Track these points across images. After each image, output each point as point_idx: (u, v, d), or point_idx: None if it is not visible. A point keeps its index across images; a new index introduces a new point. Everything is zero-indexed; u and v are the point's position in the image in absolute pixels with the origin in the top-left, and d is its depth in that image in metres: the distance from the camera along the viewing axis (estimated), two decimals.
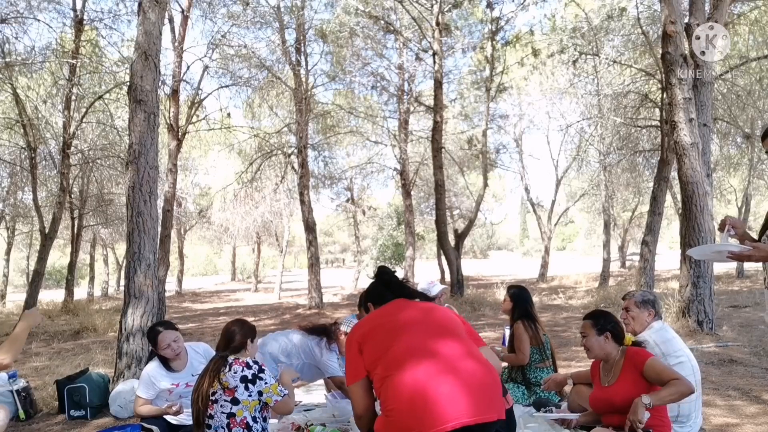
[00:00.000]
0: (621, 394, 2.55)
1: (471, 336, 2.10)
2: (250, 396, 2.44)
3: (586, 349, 2.76)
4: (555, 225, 23.10)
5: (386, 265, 2.43)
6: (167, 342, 3.20)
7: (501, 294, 12.92)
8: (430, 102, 14.20)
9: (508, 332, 4.17)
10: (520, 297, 3.93)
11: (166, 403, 3.21)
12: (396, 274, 2.30)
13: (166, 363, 3.26)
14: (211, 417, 2.43)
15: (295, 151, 14.40)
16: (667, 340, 2.87)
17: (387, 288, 2.18)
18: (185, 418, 3.21)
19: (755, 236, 2.56)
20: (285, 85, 13.87)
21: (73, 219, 13.98)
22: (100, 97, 10.88)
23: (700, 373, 2.92)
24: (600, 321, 2.71)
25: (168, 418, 3.25)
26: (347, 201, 20.99)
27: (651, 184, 12.85)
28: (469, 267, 22.13)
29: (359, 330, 2.04)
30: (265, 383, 2.48)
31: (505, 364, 4.29)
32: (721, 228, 2.28)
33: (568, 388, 3.54)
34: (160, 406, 3.24)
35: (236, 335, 2.65)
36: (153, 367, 3.25)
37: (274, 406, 2.53)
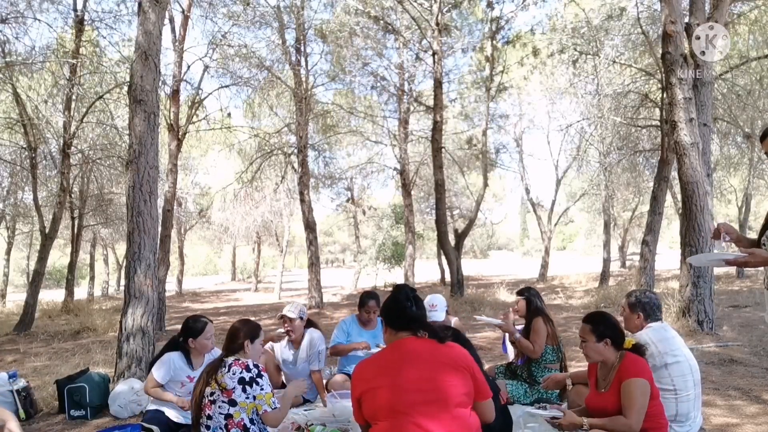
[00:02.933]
0: (613, 403, 2.55)
1: (475, 385, 2.08)
2: (247, 398, 2.43)
3: (585, 353, 2.74)
4: (555, 225, 23.09)
5: (405, 284, 2.41)
6: (211, 333, 3.32)
7: (501, 294, 12.93)
8: (430, 102, 14.20)
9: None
10: (532, 296, 3.93)
11: (178, 398, 3.26)
12: (414, 295, 2.31)
13: (188, 356, 3.32)
14: (210, 417, 2.43)
15: (295, 151, 14.40)
16: (664, 339, 2.86)
17: (400, 316, 2.20)
18: (186, 418, 3.22)
19: (754, 236, 2.57)
20: (285, 85, 13.87)
21: (73, 219, 13.98)
22: (100, 97, 10.87)
23: (699, 372, 2.92)
24: (599, 327, 2.66)
25: (169, 416, 3.27)
26: (347, 201, 20.99)
27: (651, 184, 12.85)
28: (469, 267, 22.12)
29: (360, 384, 2.09)
30: (261, 389, 2.46)
31: (504, 363, 4.29)
32: (717, 236, 2.29)
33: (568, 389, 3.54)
34: (172, 392, 3.30)
35: (237, 335, 2.64)
36: (177, 354, 3.32)
37: (263, 416, 2.50)
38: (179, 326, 3.41)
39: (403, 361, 2.05)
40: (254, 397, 2.45)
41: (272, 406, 2.49)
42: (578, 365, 5.20)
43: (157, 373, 3.25)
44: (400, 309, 2.20)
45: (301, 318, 4.02)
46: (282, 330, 3.97)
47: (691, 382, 2.82)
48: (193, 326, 3.28)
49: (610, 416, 2.52)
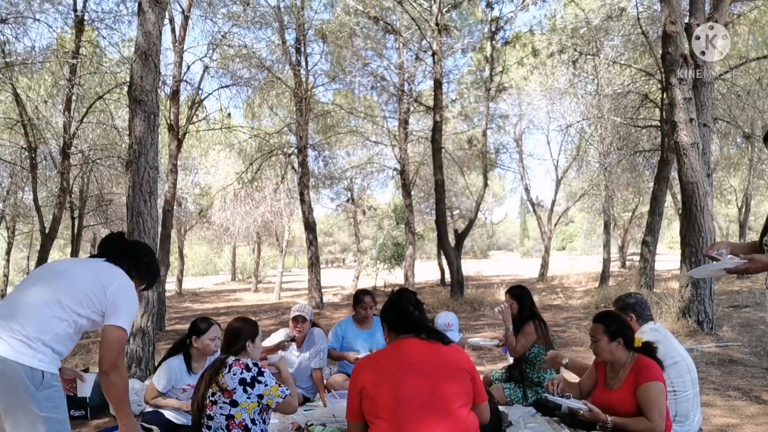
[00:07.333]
0: (621, 403, 2.58)
1: (474, 387, 2.10)
2: (248, 398, 2.42)
3: (596, 352, 2.74)
4: (555, 225, 23.08)
5: (406, 288, 2.44)
6: (214, 335, 3.27)
7: (501, 294, 12.92)
8: (430, 102, 14.19)
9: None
10: (524, 296, 3.81)
11: (182, 403, 3.26)
12: (415, 299, 2.31)
13: (188, 362, 3.29)
14: (211, 418, 2.43)
15: (295, 151, 14.39)
16: (660, 342, 2.86)
17: (403, 322, 2.20)
18: (186, 418, 3.23)
19: (755, 237, 2.57)
20: (285, 85, 13.86)
21: (73, 219, 13.96)
22: (100, 97, 10.86)
23: (696, 371, 2.92)
24: (612, 326, 2.67)
25: (169, 417, 3.27)
26: (347, 201, 20.97)
27: (651, 184, 12.86)
28: (469, 267, 22.11)
29: (363, 378, 2.09)
30: (265, 386, 2.45)
31: (503, 367, 4.28)
32: (712, 256, 2.29)
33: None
34: (174, 398, 3.29)
35: (238, 335, 2.64)
36: (178, 362, 3.30)
37: (277, 408, 2.51)
38: (179, 326, 3.42)
39: (405, 364, 2.05)
40: (260, 396, 2.44)
41: (282, 396, 2.48)
42: None
43: (158, 382, 3.24)
44: (403, 314, 2.20)
45: (310, 319, 4.03)
46: (290, 336, 3.93)
47: (690, 382, 2.83)
48: (199, 325, 3.30)
49: (618, 414, 2.56)
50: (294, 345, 4.09)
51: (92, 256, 2.36)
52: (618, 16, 11.93)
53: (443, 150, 13.86)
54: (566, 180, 21.97)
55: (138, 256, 2.32)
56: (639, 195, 18.51)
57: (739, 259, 2.11)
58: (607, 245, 16.15)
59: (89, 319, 2.03)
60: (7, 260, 18.20)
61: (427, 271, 25.00)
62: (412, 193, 17.06)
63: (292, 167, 15.58)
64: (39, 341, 1.86)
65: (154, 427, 3.17)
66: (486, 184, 15.05)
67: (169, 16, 10.32)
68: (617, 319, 2.74)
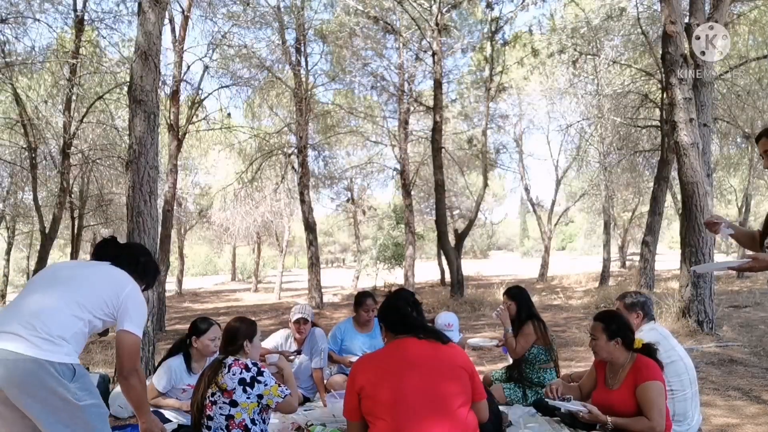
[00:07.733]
0: (621, 403, 2.58)
1: (473, 386, 2.10)
2: (248, 398, 2.42)
3: (594, 350, 2.75)
4: (555, 225, 23.08)
5: (404, 288, 2.43)
6: (214, 335, 3.26)
7: (501, 294, 12.90)
8: (430, 102, 14.20)
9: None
10: (522, 297, 3.79)
11: (182, 403, 3.26)
12: (413, 299, 2.31)
13: (188, 362, 3.29)
14: (211, 418, 2.43)
15: (295, 151, 14.39)
16: (657, 342, 2.86)
17: (399, 320, 2.20)
18: (186, 418, 3.23)
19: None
20: (285, 85, 13.87)
21: (73, 219, 13.96)
22: (100, 97, 10.86)
23: (694, 370, 2.92)
24: (611, 326, 2.67)
25: (169, 417, 3.27)
26: (347, 201, 20.97)
27: (651, 184, 12.86)
28: (469, 267, 22.12)
29: (361, 378, 2.08)
30: (265, 385, 2.45)
31: (500, 366, 4.28)
32: (715, 230, 2.27)
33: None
34: (174, 398, 3.30)
35: (236, 335, 2.64)
36: (178, 362, 3.30)
37: (277, 408, 2.51)
38: (179, 326, 3.42)
39: (405, 364, 2.04)
40: (260, 396, 2.44)
41: (282, 395, 2.48)
42: (578, 365, 5.21)
43: (158, 382, 3.25)
44: (400, 314, 2.20)
45: (311, 320, 4.03)
46: (297, 350, 3.89)
47: (687, 381, 2.82)
48: (199, 326, 3.30)
49: (618, 414, 2.57)
50: (295, 345, 4.09)
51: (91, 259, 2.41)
52: (618, 16, 11.93)
53: (443, 150, 13.87)
54: (566, 180, 21.98)
55: (136, 255, 2.39)
56: (639, 195, 18.51)
57: (743, 257, 2.10)
58: (607, 245, 16.15)
59: (102, 320, 2.13)
60: (7, 260, 18.19)
61: (427, 271, 25.01)
62: (412, 193, 17.06)
63: (292, 167, 15.58)
64: (61, 338, 1.94)
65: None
66: (486, 184, 15.05)
67: (169, 16, 10.32)
68: (618, 319, 2.74)
